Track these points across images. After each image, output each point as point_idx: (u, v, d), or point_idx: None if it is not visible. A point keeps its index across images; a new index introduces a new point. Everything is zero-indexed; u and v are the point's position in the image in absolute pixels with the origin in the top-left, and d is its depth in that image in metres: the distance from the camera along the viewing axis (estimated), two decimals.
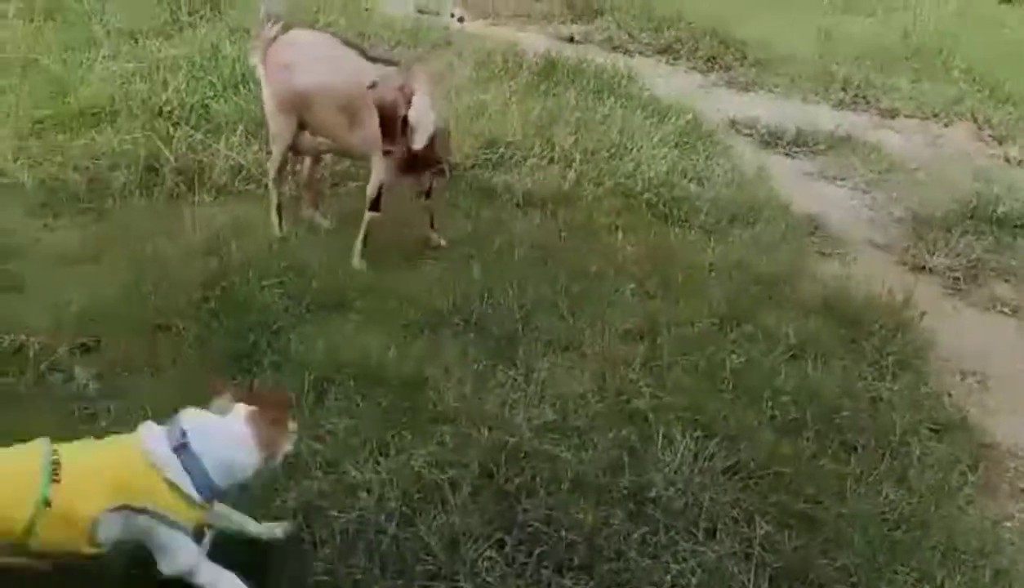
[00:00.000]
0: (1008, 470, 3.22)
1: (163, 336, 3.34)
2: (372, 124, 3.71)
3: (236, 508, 2.44)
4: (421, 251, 4.13)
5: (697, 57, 7.23)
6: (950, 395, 3.55)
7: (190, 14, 6.41)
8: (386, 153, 3.68)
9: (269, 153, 4.17)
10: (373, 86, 3.63)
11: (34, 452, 2.15)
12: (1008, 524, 2.98)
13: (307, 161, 4.27)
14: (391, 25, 7.00)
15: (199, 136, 4.77)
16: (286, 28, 4.01)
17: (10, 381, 3.04)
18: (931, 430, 3.33)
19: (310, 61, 3.87)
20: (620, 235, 4.43)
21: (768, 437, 3.14)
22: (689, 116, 5.83)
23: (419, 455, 2.90)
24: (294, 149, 4.06)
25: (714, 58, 7.23)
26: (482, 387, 3.27)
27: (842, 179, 5.46)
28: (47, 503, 2.06)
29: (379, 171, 3.89)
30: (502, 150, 5.12)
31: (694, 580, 2.57)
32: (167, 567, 2.20)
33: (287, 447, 2.34)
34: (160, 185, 4.37)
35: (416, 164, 3.83)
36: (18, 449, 2.18)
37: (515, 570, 2.57)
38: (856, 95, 6.59)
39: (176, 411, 2.30)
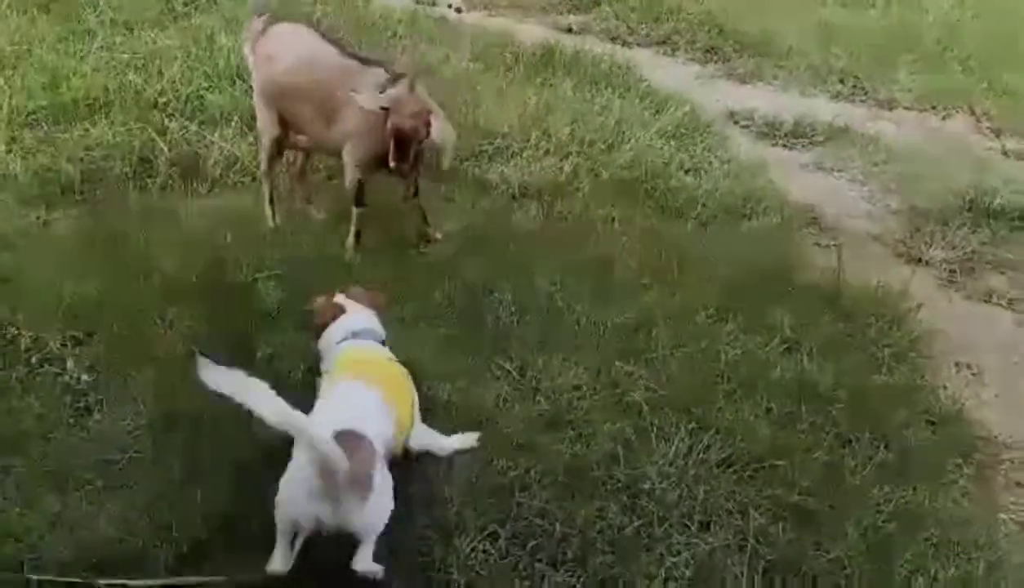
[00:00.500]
0: (1003, 462, 3.22)
1: (156, 328, 3.32)
2: (348, 121, 3.71)
3: None
4: (417, 244, 4.10)
5: (695, 48, 7.19)
6: (945, 387, 3.55)
7: (185, 4, 6.37)
8: (394, 167, 3.68)
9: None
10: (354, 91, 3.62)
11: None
12: (1003, 516, 2.98)
13: (299, 154, 4.25)
14: (388, 15, 6.96)
15: (193, 127, 4.75)
16: (275, 20, 3.99)
17: (1, 373, 3.03)
18: (926, 422, 3.33)
19: (288, 55, 3.86)
20: (616, 227, 4.41)
21: (763, 430, 3.14)
22: (687, 107, 5.80)
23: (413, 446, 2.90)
24: (280, 143, 4.03)
25: (712, 49, 7.20)
26: (477, 380, 3.26)
27: (839, 171, 5.44)
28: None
29: (350, 168, 3.87)
30: (498, 141, 5.10)
31: (688, 572, 2.58)
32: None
33: None
34: (154, 176, 4.35)
35: (388, 161, 3.71)
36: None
37: (509, 563, 2.57)
38: (854, 87, 6.55)
39: None
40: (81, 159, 4.37)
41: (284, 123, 3.96)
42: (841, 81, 6.66)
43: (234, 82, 5.19)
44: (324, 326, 2.95)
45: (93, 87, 4.87)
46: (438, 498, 2.72)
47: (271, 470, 2.72)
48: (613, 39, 7.30)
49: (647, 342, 3.52)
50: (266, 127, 3.99)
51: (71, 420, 2.89)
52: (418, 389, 3.06)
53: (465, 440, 2.90)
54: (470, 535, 2.61)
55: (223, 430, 2.88)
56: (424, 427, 2.87)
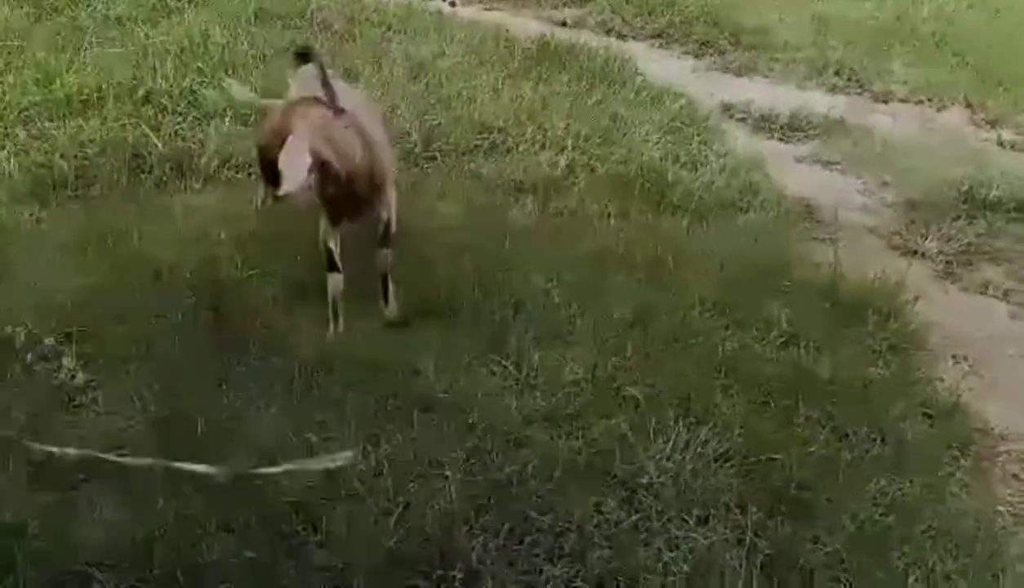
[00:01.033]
0: (1000, 454, 3.21)
1: (150, 325, 3.31)
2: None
3: None
4: (402, 242, 3.94)
5: (691, 41, 7.17)
6: (942, 380, 3.54)
7: (178, 0, 6.34)
8: (276, 199, 3.26)
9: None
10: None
11: None
12: (1000, 508, 2.98)
13: None
14: (382, 9, 6.93)
15: (187, 123, 4.73)
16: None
17: None
18: (923, 415, 3.32)
19: None
20: (612, 221, 4.40)
21: (761, 424, 3.14)
22: (682, 101, 5.79)
23: (410, 443, 2.90)
24: None
25: (708, 43, 7.17)
26: (473, 376, 3.25)
27: (835, 164, 5.42)
28: None
29: (321, 225, 3.46)
30: (493, 136, 5.08)
31: (686, 567, 2.58)
32: None
33: None
34: (148, 172, 4.33)
35: (343, 209, 3.35)
36: None
37: (506, 557, 2.56)
38: (850, 79, 6.53)
39: None
40: (75, 156, 4.34)
41: None
42: (837, 74, 6.64)
43: (227, 77, 5.16)
44: None
45: (86, 83, 4.84)
46: (435, 493, 2.72)
47: (268, 463, 2.74)
48: (608, 32, 7.27)
49: (643, 337, 3.51)
50: None
51: (67, 417, 2.88)
52: (413, 385, 3.07)
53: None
54: (469, 530, 2.60)
55: (218, 429, 2.89)
56: None
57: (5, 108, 4.65)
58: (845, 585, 2.59)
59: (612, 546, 2.62)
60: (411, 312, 3.57)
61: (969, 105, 6.25)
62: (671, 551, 2.62)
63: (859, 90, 6.49)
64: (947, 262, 4.40)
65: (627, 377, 3.30)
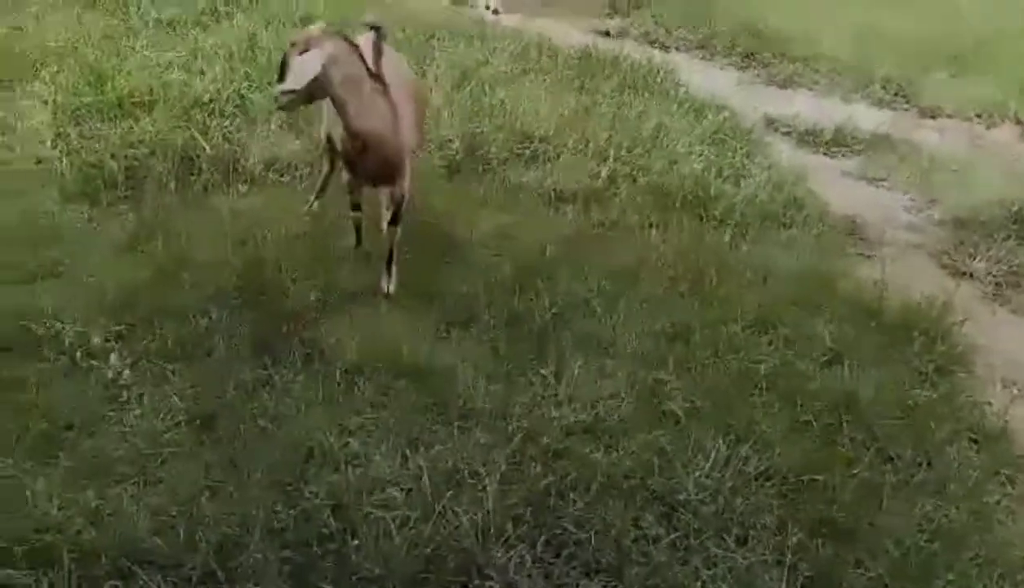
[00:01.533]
0: None
1: (195, 324, 3.35)
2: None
3: None
4: (444, 250, 4.02)
5: (735, 53, 7.14)
6: (990, 404, 3.47)
7: (227, 4, 6.44)
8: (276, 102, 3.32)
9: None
10: None
11: None
12: None
13: None
14: (425, 17, 6.97)
15: (234, 126, 4.79)
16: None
17: (45, 366, 3.07)
18: (970, 440, 3.26)
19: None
20: (653, 233, 4.38)
21: (802, 443, 3.10)
22: (725, 113, 5.76)
23: (448, 451, 2.90)
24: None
25: (752, 54, 7.14)
26: (512, 385, 3.25)
27: (881, 179, 5.36)
28: None
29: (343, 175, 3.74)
30: (535, 145, 5.08)
31: (724, 586, 2.54)
32: None
33: None
34: (196, 174, 4.39)
35: (360, 164, 3.51)
36: None
37: (543, 570, 2.56)
38: (896, 93, 6.47)
39: None
40: (125, 156, 4.41)
41: None
42: (883, 87, 6.58)
43: (274, 81, 5.21)
44: None
45: (137, 86, 4.92)
46: (472, 502, 2.71)
47: (307, 467, 2.76)
48: (651, 43, 7.27)
49: (684, 351, 3.49)
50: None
51: (111, 414, 2.93)
52: (453, 392, 3.08)
53: None
54: (506, 540, 2.60)
55: (260, 426, 2.91)
56: None
57: (59, 109, 4.74)
58: None
59: (649, 563, 2.60)
60: (452, 320, 3.58)
61: (1020, 122, 6.15)
62: (709, 570, 2.59)
63: (906, 105, 6.42)
64: (996, 283, 4.32)
65: (667, 391, 3.28)
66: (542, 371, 3.32)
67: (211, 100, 4.94)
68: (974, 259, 4.45)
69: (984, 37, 7.35)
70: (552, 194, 4.68)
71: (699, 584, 2.54)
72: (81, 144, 4.53)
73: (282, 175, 4.51)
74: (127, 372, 3.05)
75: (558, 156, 5.02)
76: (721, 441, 3.03)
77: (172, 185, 4.27)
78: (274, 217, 4.02)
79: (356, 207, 3.81)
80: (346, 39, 3.29)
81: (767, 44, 7.26)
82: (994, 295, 4.27)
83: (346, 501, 2.66)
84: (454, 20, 7.07)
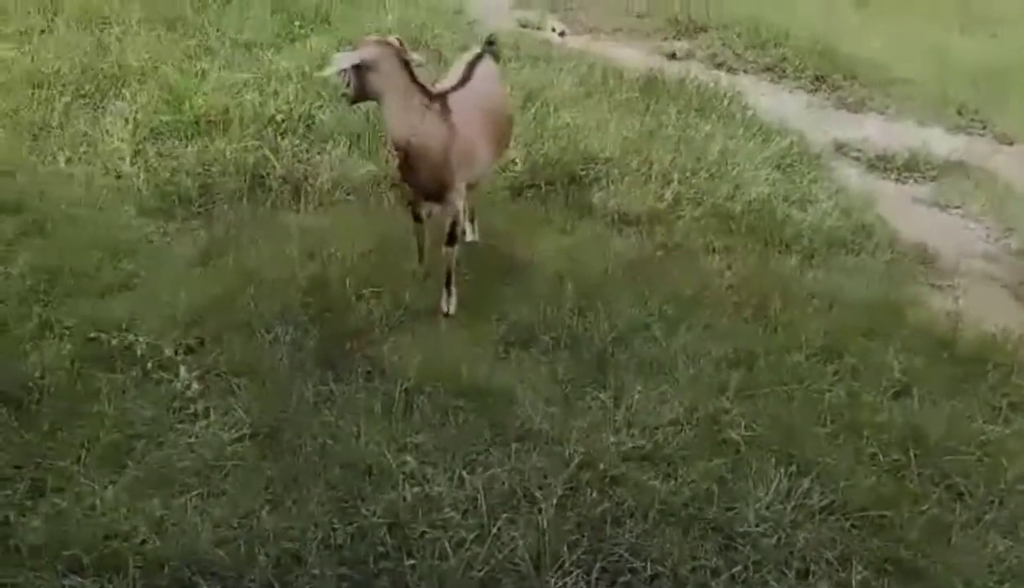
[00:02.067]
0: None
1: (262, 339, 3.43)
2: None
3: None
4: (506, 271, 4.04)
5: (804, 76, 7.02)
6: None
7: (301, 26, 6.60)
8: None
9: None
10: None
11: None
12: None
13: None
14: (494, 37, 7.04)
15: (305, 146, 4.91)
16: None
17: (118, 377, 3.17)
18: None
19: None
20: (717, 258, 4.33)
21: (868, 477, 3.02)
22: (794, 137, 5.67)
23: (505, 474, 2.90)
24: None
25: (822, 77, 7.01)
26: (571, 408, 3.24)
27: (955, 207, 5.21)
28: None
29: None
30: (599, 166, 5.08)
31: None
32: None
33: None
34: (267, 192, 4.50)
35: (410, 176, 3.62)
36: None
37: None
38: (972, 119, 6.28)
39: None
40: (199, 173, 4.55)
41: None
42: (959, 113, 6.40)
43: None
44: None
45: (213, 105, 5.07)
46: (528, 526, 2.71)
47: (366, 483, 2.79)
48: (718, 65, 7.20)
49: (747, 378, 3.44)
50: None
51: (179, 426, 3.01)
52: (511, 413, 3.09)
53: None
54: (560, 567, 2.58)
55: (320, 442, 2.96)
56: None
57: (138, 127, 4.92)
58: None
59: None
60: (512, 340, 3.59)
61: None
62: None
63: (982, 131, 6.23)
64: None
65: (728, 419, 3.23)
66: (601, 395, 3.31)
67: (283, 120, 5.06)
68: None
69: None
70: (615, 216, 4.66)
71: None
72: (158, 161, 4.69)
73: (349, 194, 4.59)
74: (195, 385, 3.14)
75: (622, 178, 5.00)
76: (783, 472, 2.98)
77: (244, 201, 4.38)
78: (341, 235, 4.09)
79: (416, 218, 3.87)
80: (395, 49, 3.42)
81: (838, 67, 7.12)
82: None
83: (403, 519, 2.68)
84: (521, 41, 7.11)
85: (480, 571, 2.55)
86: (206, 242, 4.05)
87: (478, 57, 3.96)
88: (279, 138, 4.92)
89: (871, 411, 3.31)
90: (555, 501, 2.79)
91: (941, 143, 5.89)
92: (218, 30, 6.29)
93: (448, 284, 3.78)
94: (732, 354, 3.57)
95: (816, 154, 5.59)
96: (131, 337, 3.32)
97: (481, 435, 3.08)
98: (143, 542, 2.57)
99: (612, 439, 3.10)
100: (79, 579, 2.45)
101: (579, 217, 4.64)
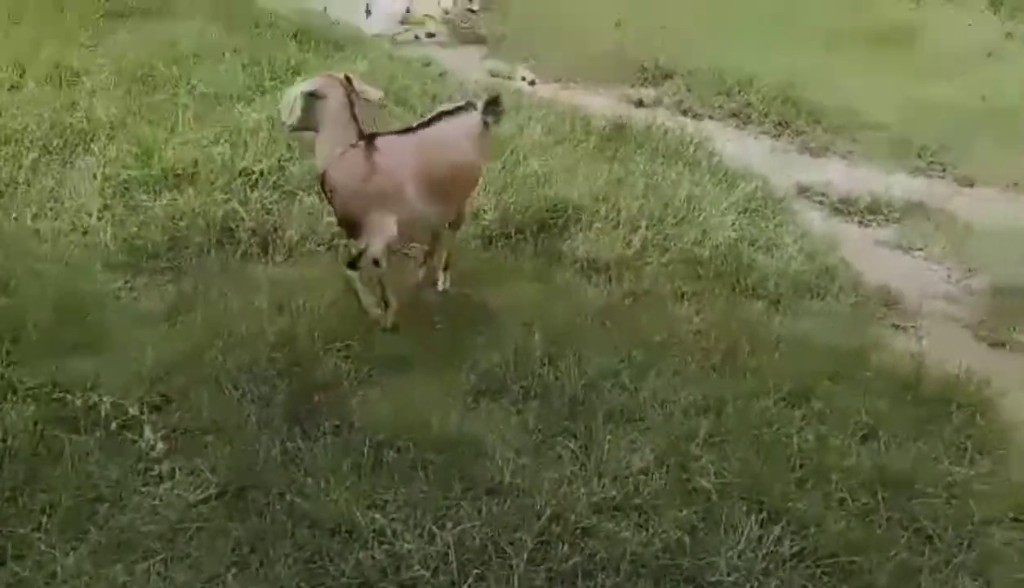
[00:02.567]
0: None
1: (229, 396, 3.40)
2: None
3: None
4: (477, 319, 4.07)
5: (768, 121, 7.16)
6: None
7: (272, 79, 6.64)
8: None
9: None
10: None
11: None
12: None
13: None
14: (463, 88, 7.12)
15: (274, 198, 4.91)
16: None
17: (82, 438, 3.12)
18: (1013, 519, 3.16)
19: None
20: (685, 304, 4.37)
21: (838, 522, 3.03)
22: (758, 182, 5.76)
23: (476, 528, 2.88)
24: None
25: (786, 122, 7.14)
26: (542, 459, 3.24)
27: (918, 249, 5.31)
28: None
29: None
30: (568, 213, 5.12)
31: None
32: None
33: None
34: (235, 245, 4.49)
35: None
36: None
37: None
38: (932, 162, 6.42)
39: None
40: (168, 227, 4.54)
41: None
42: (919, 156, 6.54)
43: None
44: None
45: (182, 158, 5.08)
46: (499, 581, 2.69)
47: (335, 542, 2.76)
48: (684, 112, 7.31)
49: (716, 425, 3.46)
50: None
51: (143, 488, 2.96)
52: (481, 466, 3.08)
53: None
54: None
55: (287, 501, 2.93)
56: None
57: (105, 181, 4.91)
58: None
59: None
60: (482, 390, 3.59)
61: None
62: None
63: (942, 173, 6.36)
64: None
65: (698, 466, 3.24)
66: (571, 445, 3.31)
67: (252, 172, 5.07)
68: (1013, 330, 4.36)
69: (1020, 105, 7.29)
70: (584, 263, 4.70)
71: None
72: (126, 216, 4.67)
73: (319, 245, 4.59)
74: (160, 444, 3.10)
75: (590, 225, 5.05)
76: (754, 519, 2.99)
77: (212, 255, 4.37)
78: (310, 287, 4.09)
79: (350, 265, 3.91)
80: (343, 83, 3.73)
81: (801, 112, 7.27)
82: None
83: (371, 579, 2.66)
84: (492, 91, 7.19)
85: None
86: (174, 297, 4.03)
87: (456, 109, 4.13)
88: (249, 190, 4.92)
89: (839, 455, 3.34)
90: (526, 555, 2.78)
91: (903, 186, 6.01)
92: (189, 83, 6.31)
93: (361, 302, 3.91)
94: (701, 400, 3.59)
95: (780, 198, 5.68)
96: (95, 396, 3.27)
97: (451, 489, 3.07)
98: None
99: (583, 489, 3.10)
100: None
101: (549, 265, 4.68)
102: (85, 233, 4.55)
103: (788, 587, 2.76)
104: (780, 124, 7.17)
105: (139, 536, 2.76)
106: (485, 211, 5.05)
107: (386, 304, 3.99)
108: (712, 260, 4.76)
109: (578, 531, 2.91)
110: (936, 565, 2.92)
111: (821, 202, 5.83)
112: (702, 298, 4.42)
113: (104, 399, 3.24)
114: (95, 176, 4.95)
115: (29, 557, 2.66)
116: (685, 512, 3.02)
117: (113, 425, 3.17)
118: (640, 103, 7.50)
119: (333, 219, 4.16)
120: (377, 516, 2.89)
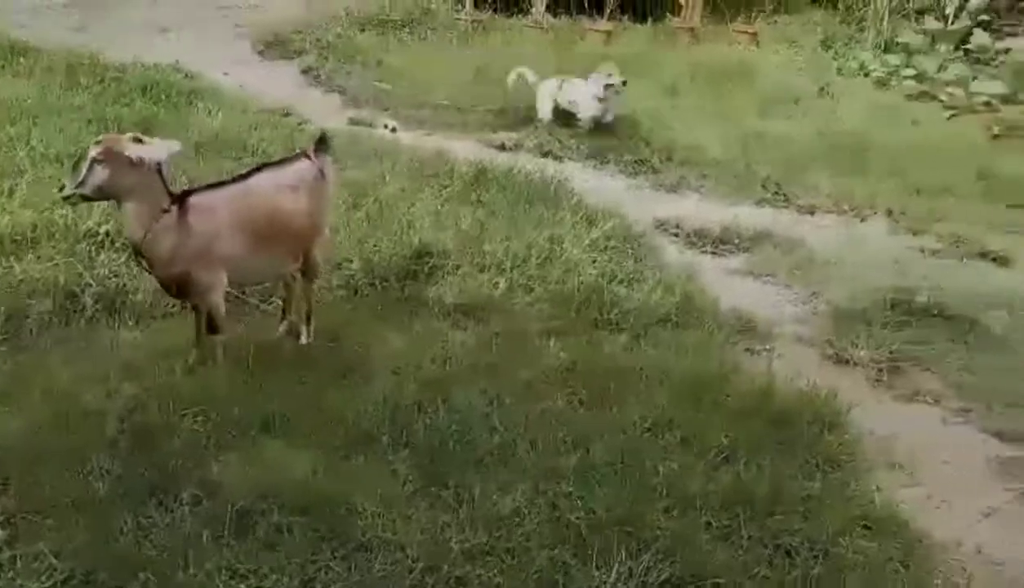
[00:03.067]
0: (940, 564, 3.23)
1: (77, 472, 3.20)
2: None
3: None
4: (343, 372, 4.01)
5: (624, 160, 7.44)
6: (879, 489, 3.57)
7: None
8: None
9: None
10: None
11: None
12: None
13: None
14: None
15: (122, 260, 4.70)
16: None
17: None
18: (863, 527, 3.34)
19: None
20: (552, 342, 4.44)
21: (703, 545, 3.12)
22: (617, 219, 5.95)
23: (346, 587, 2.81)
24: None
25: (641, 161, 7.45)
26: (413, 510, 3.20)
27: (767, 275, 5.60)
28: None
29: None
30: (433, 260, 5.14)
31: None
32: None
33: None
34: (80, 311, 4.27)
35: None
36: None
37: None
38: (775, 193, 6.82)
39: None
40: (4, 298, 4.26)
41: None
42: (763, 187, 6.93)
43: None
44: None
45: (20, 222, 4.81)
46: None
47: None
48: (545, 154, 7.51)
49: (584, 460, 3.51)
50: None
51: None
52: (351, 523, 3.01)
53: None
54: None
55: (144, 580, 2.77)
56: None
57: None
58: None
59: None
60: (350, 444, 3.52)
61: (891, 214, 6.55)
62: None
63: (785, 203, 6.76)
64: (879, 370, 4.51)
65: (568, 503, 3.27)
66: (442, 493, 3.28)
67: (97, 234, 4.85)
68: (856, 347, 4.65)
69: (857, 139, 7.86)
70: (451, 308, 4.72)
71: None
72: None
73: (172, 307, 4.41)
74: (0, 532, 2.88)
75: (456, 270, 5.09)
76: (624, 550, 3.03)
77: (55, 324, 4.14)
78: (162, 352, 3.93)
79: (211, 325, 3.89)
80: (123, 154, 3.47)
81: (655, 151, 7.59)
82: (877, 381, 4.44)
83: None
84: (353, 140, 7.18)
85: None
86: (13, 371, 3.77)
87: (284, 159, 4.19)
88: (94, 253, 4.70)
89: (702, 480, 3.44)
90: None
91: (750, 217, 6.34)
92: (28, 144, 6.01)
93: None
94: (569, 437, 3.64)
95: (639, 233, 5.88)
96: None
97: (320, 550, 2.98)
98: None
99: (456, 537, 3.07)
100: None
101: (416, 312, 4.67)
102: None
103: None
104: (636, 163, 7.46)
105: None
106: (349, 260, 5.01)
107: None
108: (576, 297, 4.87)
109: (451, 581, 2.89)
110: (795, 579, 3.03)
111: (676, 235, 6.07)
112: (568, 335, 4.51)
113: None
114: None
115: None
116: (558, 550, 3.04)
117: None
118: (502, 147, 7.65)
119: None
120: (242, 587, 2.77)
